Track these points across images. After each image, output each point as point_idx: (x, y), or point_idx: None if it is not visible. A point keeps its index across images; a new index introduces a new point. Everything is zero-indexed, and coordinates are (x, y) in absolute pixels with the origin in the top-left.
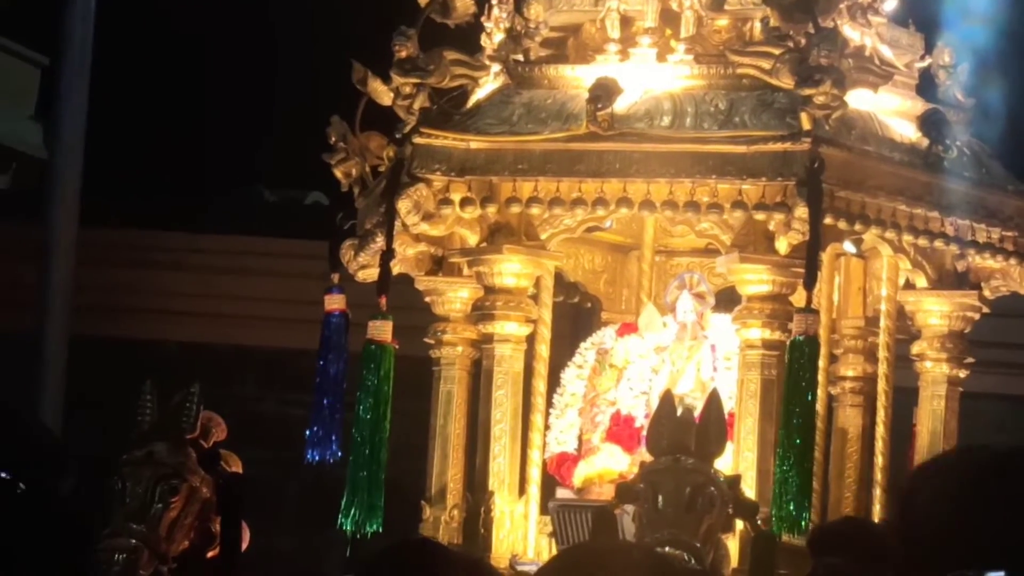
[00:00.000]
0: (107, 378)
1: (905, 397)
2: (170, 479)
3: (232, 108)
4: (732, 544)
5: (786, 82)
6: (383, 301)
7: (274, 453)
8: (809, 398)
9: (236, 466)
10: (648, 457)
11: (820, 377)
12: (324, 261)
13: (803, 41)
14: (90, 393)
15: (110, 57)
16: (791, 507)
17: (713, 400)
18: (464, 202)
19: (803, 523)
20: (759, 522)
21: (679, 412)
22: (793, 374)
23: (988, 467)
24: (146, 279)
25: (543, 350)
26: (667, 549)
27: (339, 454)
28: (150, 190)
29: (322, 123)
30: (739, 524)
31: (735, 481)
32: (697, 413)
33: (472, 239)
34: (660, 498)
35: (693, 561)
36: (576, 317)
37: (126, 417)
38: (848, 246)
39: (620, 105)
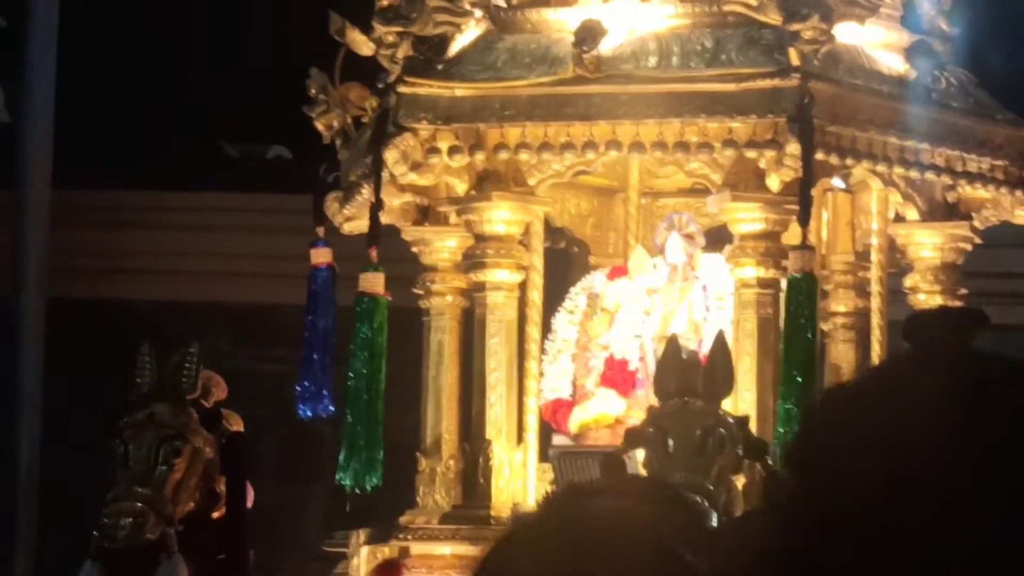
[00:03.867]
0: (84, 340)
1: (895, 330)
2: (173, 440)
3: (193, 64)
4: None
5: (773, 18)
6: (374, 252)
7: (248, 410)
8: (809, 335)
9: (238, 425)
10: (655, 401)
11: None
12: (294, 215)
13: None
14: (68, 355)
15: (73, 18)
16: None
17: (719, 341)
18: (452, 150)
19: None
20: (769, 462)
21: (684, 355)
22: (792, 312)
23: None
24: (116, 240)
25: (535, 296)
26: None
27: (332, 409)
28: (116, 150)
29: (282, 76)
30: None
31: (744, 421)
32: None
33: (460, 187)
34: (670, 442)
35: (707, 503)
36: (566, 262)
37: (106, 378)
38: (836, 181)
39: (605, 47)
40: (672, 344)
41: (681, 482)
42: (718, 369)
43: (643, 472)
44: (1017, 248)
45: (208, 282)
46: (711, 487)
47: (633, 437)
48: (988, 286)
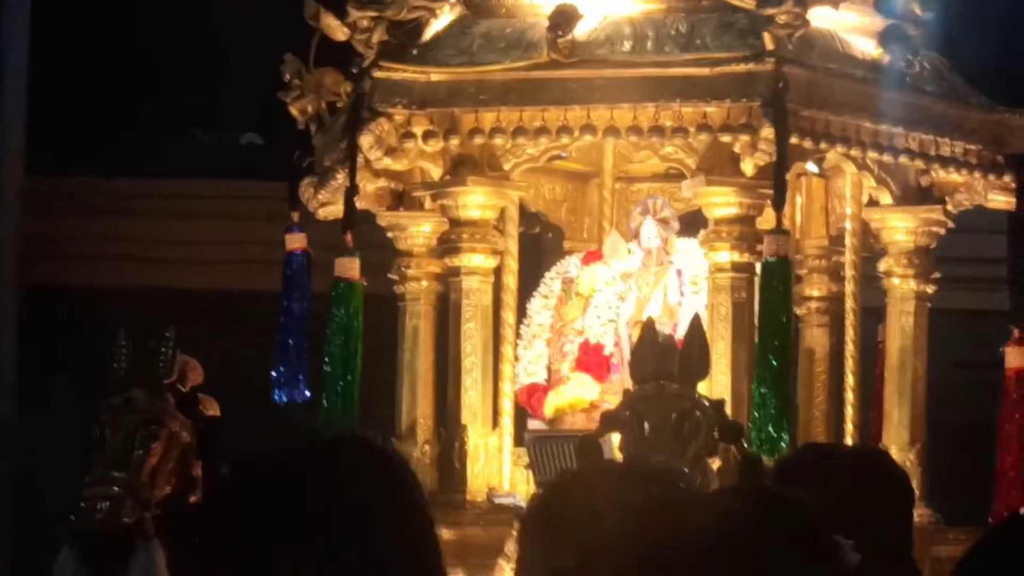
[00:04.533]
0: (59, 327)
1: (869, 315)
2: (149, 425)
3: (167, 51)
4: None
5: (747, 2)
6: (349, 237)
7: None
8: (784, 319)
9: (214, 410)
10: (630, 385)
11: None
12: (267, 201)
13: None
14: (43, 343)
15: (46, 5)
16: (770, 429)
17: (695, 325)
18: (426, 135)
19: (783, 444)
20: (744, 445)
21: (660, 339)
22: (767, 296)
23: None
24: (91, 227)
25: (510, 281)
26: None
27: (307, 394)
28: (88, 136)
29: (254, 63)
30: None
31: (719, 405)
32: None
33: (435, 172)
34: (646, 425)
35: (683, 486)
36: (540, 247)
37: (82, 365)
38: (810, 165)
39: (580, 32)
40: (648, 328)
41: (657, 465)
42: (694, 353)
43: (618, 456)
44: (990, 233)
45: (181, 269)
46: (687, 470)
47: (609, 421)
48: (960, 271)
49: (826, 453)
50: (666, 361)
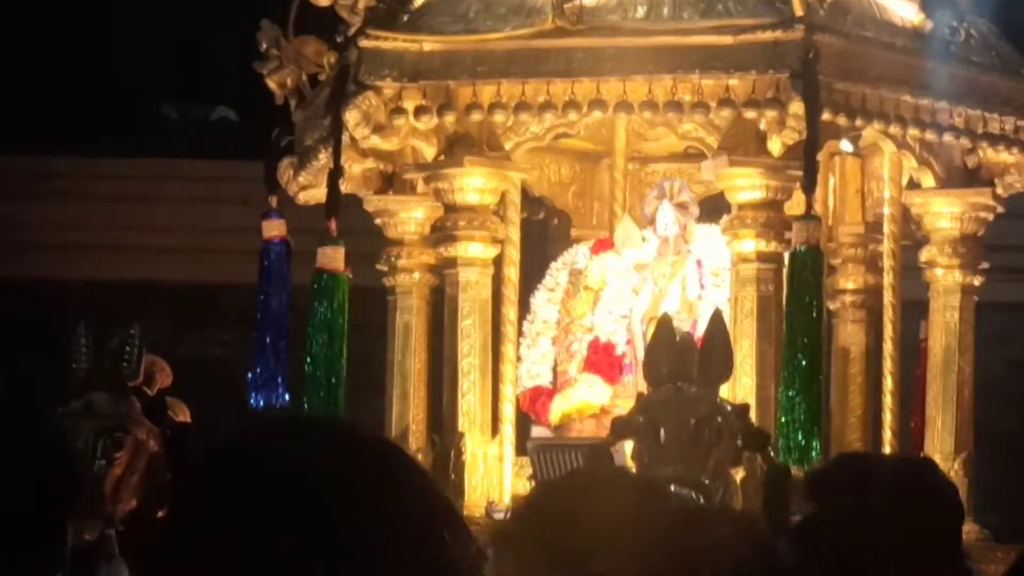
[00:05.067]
0: (7, 322)
1: (909, 310)
2: (113, 432)
3: (131, 17)
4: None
5: None
6: (333, 225)
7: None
8: (814, 315)
9: (183, 415)
10: (644, 388)
11: None
12: (241, 183)
13: None
14: None
15: None
16: (799, 436)
17: (716, 321)
18: (419, 111)
19: (814, 453)
20: (771, 454)
21: (678, 336)
22: (795, 289)
23: None
24: (43, 211)
25: (512, 273)
26: (672, 488)
27: (286, 398)
28: (41, 111)
29: (227, 29)
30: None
31: (743, 410)
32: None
33: (428, 152)
34: (662, 432)
35: (702, 500)
36: (546, 235)
37: (34, 363)
38: (845, 144)
39: None
40: (664, 324)
41: (673, 476)
42: (715, 352)
43: (631, 466)
44: None
45: (147, 258)
46: (706, 481)
47: (621, 427)
48: (1013, 261)
49: (863, 464)
50: (684, 361)
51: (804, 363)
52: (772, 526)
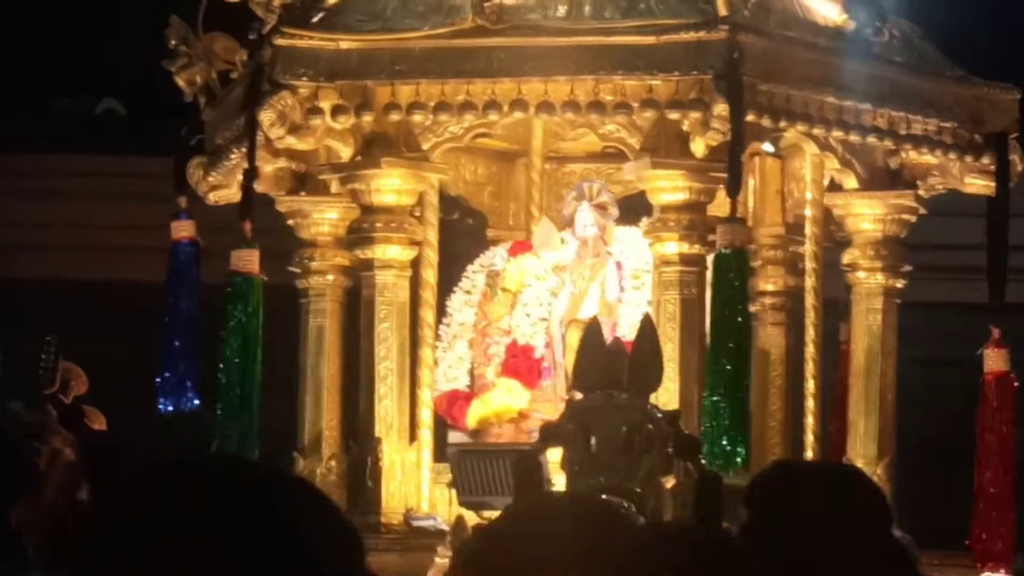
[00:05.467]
0: None
1: (831, 311)
2: (30, 441)
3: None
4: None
5: None
6: (247, 226)
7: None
8: (740, 319)
9: (100, 423)
10: (563, 392)
11: None
12: (136, 179)
13: None
14: None
15: None
16: (724, 442)
17: (646, 327)
18: (336, 110)
19: (739, 459)
20: (703, 462)
21: (608, 342)
22: (720, 292)
23: None
24: None
25: (430, 276)
26: (603, 497)
27: (196, 402)
28: None
29: (112, 19)
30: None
31: (674, 417)
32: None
33: (344, 152)
34: (593, 440)
35: (633, 509)
36: (459, 236)
37: None
38: (766, 145)
39: None
40: (593, 329)
41: (604, 485)
42: (645, 358)
43: (560, 473)
44: (970, 217)
45: (42, 257)
46: (638, 490)
47: (550, 434)
48: (922, 259)
49: (797, 471)
50: (614, 368)
51: (729, 368)
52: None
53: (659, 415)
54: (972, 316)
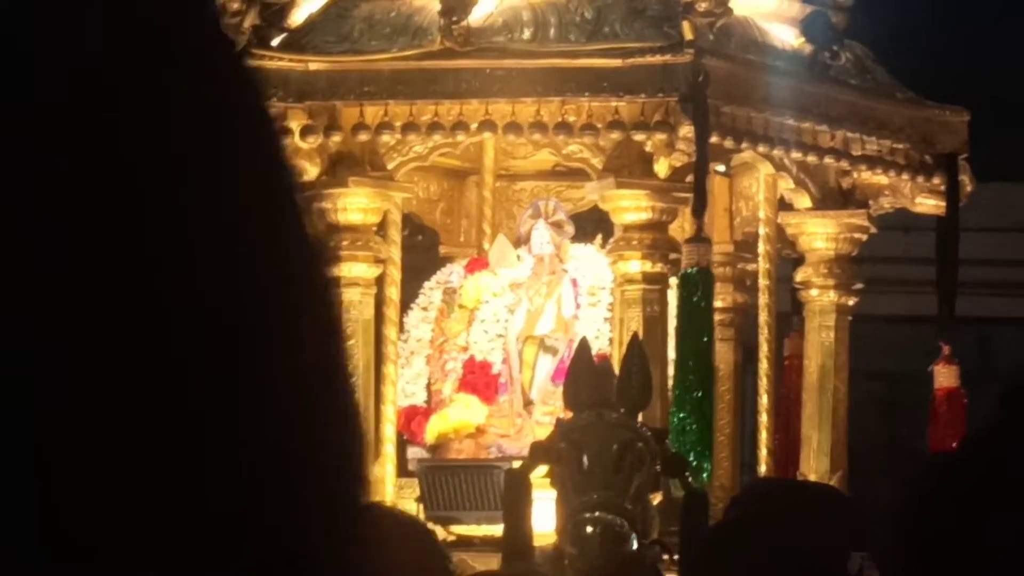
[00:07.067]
0: None
1: (782, 324)
2: None
3: None
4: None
5: None
6: None
7: None
8: (705, 337)
9: None
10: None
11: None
12: None
13: None
14: None
15: None
16: (691, 457)
17: (634, 346)
18: (305, 130)
19: (705, 475)
20: (689, 479)
21: (597, 361)
22: (686, 311)
23: None
24: None
25: (393, 293)
26: (597, 514)
27: None
28: None
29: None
30: None
31: (662, 434)
32: (560, 356)
33: (311, 171)
34: (585, 458)
35: (626, 525)
36: (418, 253)
37: None
38: (717, 165)
39: (474, 17)
40: (583, 349)
41: (597, 502)
42: (634, 377)
43: (554, 491)
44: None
45: None
46: (629, 506)
47: (540, 452)
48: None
49: (781, 488)
50: (603, 387)
51: (696, 385)
52: (690, 551)
53: (648, 433)
54: (924, 328)
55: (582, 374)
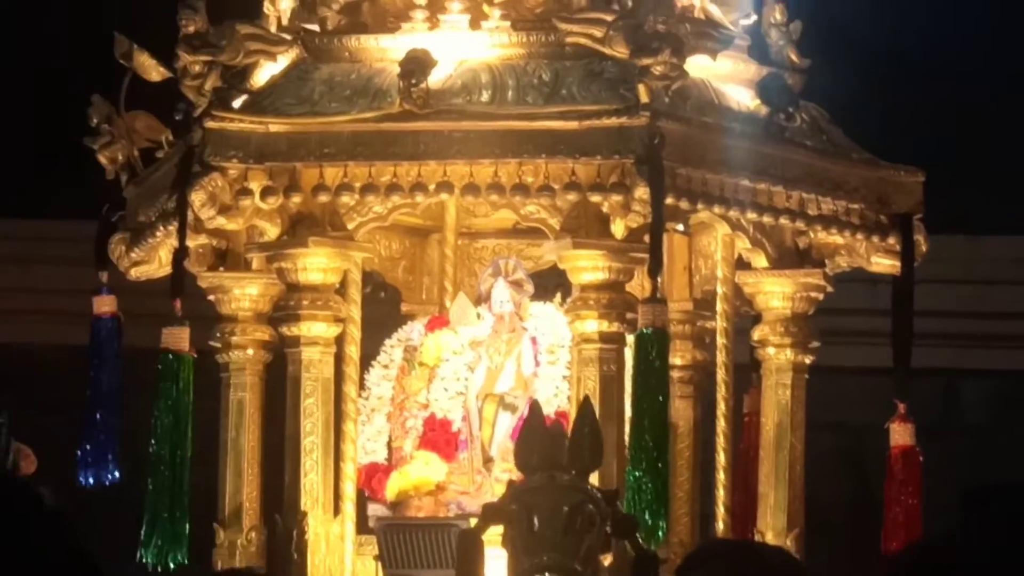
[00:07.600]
0: None
1: (740, 378)
2: None
3: None
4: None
5: (620, 51)
6: (178, 305)
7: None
8: (660, 397)
9: (30, 464)
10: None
11: None
12: (13, 242)
13: (631, 4)
14: None
15: None
16: (646, 516)
17: (585, 409)
18: (265, 191)
19: (660, 533)
20: (639, 540)
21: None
22: (642, 370)
23: None
24: None
25: (353, 352)
26: (547, 575)
27: (117, 474)
28: None
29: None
30: None
31: (613, 496)
32: (519, 414)
33: (271, 231)
34: (536, 520)
35: None
36: (380, 311)
37: None
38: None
39: (433, 79)
40: (535, 411)
41: (548, 563)
42: (585, 440)
43: (503, 550)
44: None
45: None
46: (579, 568)
47: (493, 513)
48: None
49: (734, 548)
50: (555, 449)
51: (651, 444)
52: None
53: (599, 495)
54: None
55: (533, 436)
